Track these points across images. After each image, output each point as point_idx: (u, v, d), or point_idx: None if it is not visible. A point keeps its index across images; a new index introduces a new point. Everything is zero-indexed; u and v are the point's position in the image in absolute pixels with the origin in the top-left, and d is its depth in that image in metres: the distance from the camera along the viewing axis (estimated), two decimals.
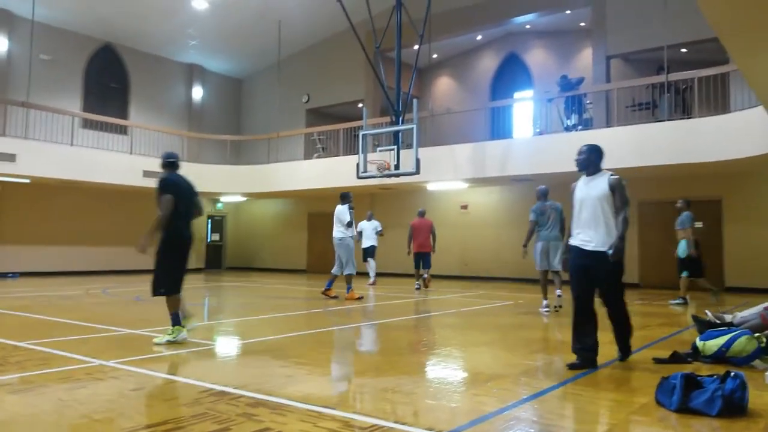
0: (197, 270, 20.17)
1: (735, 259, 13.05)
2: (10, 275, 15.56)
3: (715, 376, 3.56)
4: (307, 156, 18.77)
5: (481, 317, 8.31)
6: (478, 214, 16.91)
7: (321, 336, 6.54)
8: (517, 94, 18.64)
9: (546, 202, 8.79)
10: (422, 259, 12.74)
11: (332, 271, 10.58)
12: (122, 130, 17.44)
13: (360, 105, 17.90)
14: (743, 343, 4.73)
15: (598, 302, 4.65)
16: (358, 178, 12.45)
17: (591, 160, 4.81)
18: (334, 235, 10.41)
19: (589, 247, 4.63)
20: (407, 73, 13.50)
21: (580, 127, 13.71)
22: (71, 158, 14.99)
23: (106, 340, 5.86)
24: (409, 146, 12.02)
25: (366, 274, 14.63)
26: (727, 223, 13.25)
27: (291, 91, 20.13)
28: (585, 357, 4.58)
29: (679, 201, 10.31)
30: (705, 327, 5.66)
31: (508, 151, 13.82)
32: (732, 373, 3.51)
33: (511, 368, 4.72)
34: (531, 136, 14.98)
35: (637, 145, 12.00)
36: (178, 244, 5.70)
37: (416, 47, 12.92)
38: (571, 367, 4.55)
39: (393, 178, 12.71)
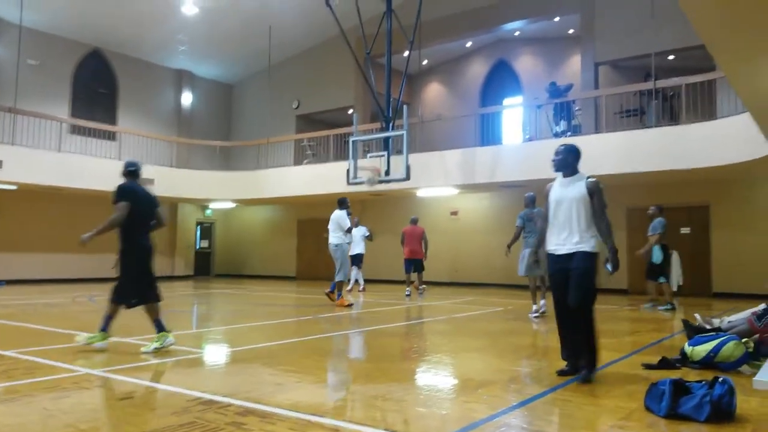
0: (186, 277, 20.05)
1: (722, 264, 13.15)
2: None
3: (703, 382, 3.57)
4: (297, 162, 18.74)
5: (472, 323, 8.31)
6: (468, 221, 16.95)
7: (311, 343, 6.51)
8: (506, 101, 18.74)
9: (534, 209, 8.89)
10: (413, 265, 12.86)
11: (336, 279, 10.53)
12: (110, 136, 17.34)
13: (350, 111, 17.92)
14: (731, 349, 4.76)
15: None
16: (349, 184, 12.44)
17: (568, 161, 4.68)
18: (331, 241, 10.30)
19: (562, 250, 4.53)
20: (397, 79, 13.53)
21: (569, 134, 13.79)
22: (59, 164, 14.88)
23: (93, 348, 5.79)
24: (400, 152, 12.04)
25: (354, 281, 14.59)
26: (714, 229, 13.36)
27: (281, 96, 20.11)
28: (574, 363, 4.53)
29: (651, 207, 10.53)
30: (694, 332, 5.70)
31: (497, 157, 13.87)
32: (720, 379, 3.53)
33: (501, 374, 4.72)
34: (520, 142, 15.05)
35: (626, 151, 12.08)
36: (139, 253, 5.67)
37: (406, 53, 12.96)
38: (561, 373, 4.53)
39: (383, 185, 12.72)
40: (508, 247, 9.07)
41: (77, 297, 11.88)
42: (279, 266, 20.54)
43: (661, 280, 10.28)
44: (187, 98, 20.57)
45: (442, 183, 14.66)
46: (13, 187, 15.02)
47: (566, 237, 4.52)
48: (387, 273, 17.18)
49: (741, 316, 5.95)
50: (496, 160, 13.79)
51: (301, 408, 3.59)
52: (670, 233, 13.68)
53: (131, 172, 5.84)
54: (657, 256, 10.24)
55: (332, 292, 10.50)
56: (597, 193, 4.53)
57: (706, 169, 11.38)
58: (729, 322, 5.98)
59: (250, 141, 19.63)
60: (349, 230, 10.30)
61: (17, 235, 16.11)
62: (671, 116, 13.37)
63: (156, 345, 5.47)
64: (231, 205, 20.26)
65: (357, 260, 14.10)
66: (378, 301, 11.17)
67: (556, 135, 13.99)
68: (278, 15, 17.18)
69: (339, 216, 10.30)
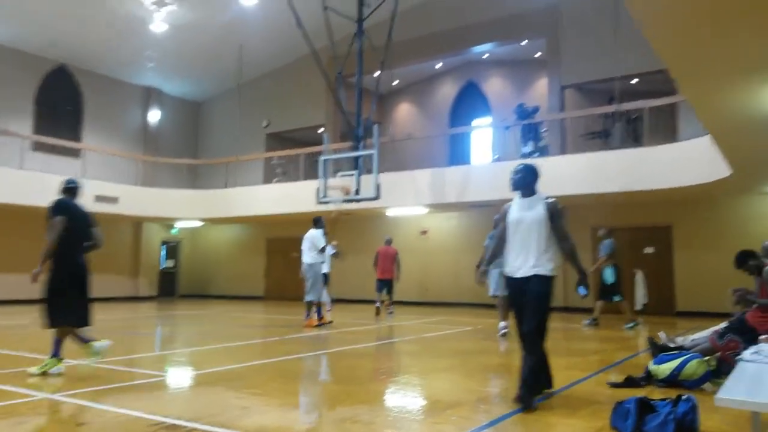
0: (150, 298, 19.63)
1: (685, 284, 13.42)
2: None
3: (667, 400, 3.62)
4: (267, 181, 18.61)
5: (441, 343, 8.29)
6: (438, 240, 17.01)
7: (278, 365, 6.40)
8: (475, 122, 18.98)
9: None
10: (385, 285, 12.94)
11: (320, 299, 10.45)
12: (74, 154, 16.98)
13: (321, 130, 17.92)
14: (694, 367, 4.84)
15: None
16: (318, 203, 12.39)
17: (527, 180, 4.54)
18: (305, 260, 10.23)
19: (519, 274, 4.37)
20: (368, 99, 13.60)
21: (536, 154, 14.00)
22: (20, 182, 14.48)
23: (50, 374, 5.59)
24: (370, 171, 12.05)
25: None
26: (677, 249, 13.65)
27: (251, 115, 20.01)
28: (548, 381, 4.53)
29: (601, 229, 10.93)
30: (658, 350, 5.77)
31: (467, 177, 13.99)
32: (684, 397, 3.58)
33: (469, 395, 4.70)
34: (489, 162, 15.23)
35: (591, 172, 12.32)
36: (73, 273, 5.54)
37: (377, 73, 13.05)
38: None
39: (353, 204, 12.70)
40: (478, 267, 8.97)
41: (37, 318, 11.50)
42: (246, 286, 20.26)
43: (617, 299, 10.52)
44: (154, 115, 20.31)
45: (412, 202, 14.71)
46: None
47: (523, 260, 4.36)
48: (356, 293, 17.09)
49: (703, 334, 6.06)
50: (466, 180, 13.91)
51: None
52: (634, 253, 14.03)
53: (70, 189, 5.76)
54: (608, 276, 10.50)
55: (321, 318, 10.37)
56: (557, 214, 4.41)
57: (668, 190, 11.65)
58: (692, 340, 6.08)
59: (219, 159, 19.45)
60: (323, 249, 10.24)
61: None
62: (635, 138, 13.70)
63: (41, 370, 5.26)
64: (198, 223, 19.97)
65: (324, 280, 13.96)
66: (347, 322, 11.09)
67: (524, 155, 14.19)
68: (249, 33, 17.17)
69: (314, 235, 10.25)
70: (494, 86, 18.94)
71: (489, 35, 16.38)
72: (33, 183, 14.74)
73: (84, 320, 5.51)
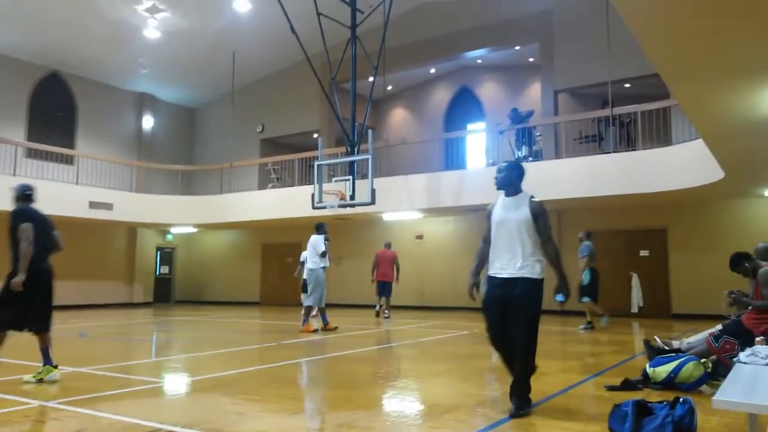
0: (145, 304, 19.55)
1: (680, 286, 13.46)
2: None
3: (665, 402, 3.62)
4: (262, 186, 18.58)
5: (438, 347, 8.29)
6: (434, 244, 17.01)
7: (274, 371, 6.38)
8: (469, 126, 19.01)
9: None
10: (383, 287, 13.28)
11: (304, 303, 10.46)
12: (68, 160, 16.92)
13: (315, 135, 17.92)
14: (690, 369, 4.85)
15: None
16: (314, 208, 12.39)
17: (511, 179, 4.35)
18: (307, 265, 10.34)
19: (505, 274, 4.18)
20: (362, 104, 13.62)
21: (530, 159, 14.04)
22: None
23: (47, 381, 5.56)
24: (365, 176, 12.05)
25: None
26: (672, 252, 13.70)
27: (245, 120, 20.01)
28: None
29: (580, 233, 11.08)
30: (654, 353, 5.79)
31: (462, 181, 14.01)
32: (681, 399, 3.58)
33: (467, 399, 4.70)
34: (484, 166, 15.25)
35: (585, 176, 12.35)
36: (38, 277, 5.51)
37: (371, 79, 13.07)
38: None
39: (348, 209, 12.70)
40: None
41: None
42: (242, 292, 20.20)
43: (585, 299, 10.68)
44: (148, 122, 20.26)
45: (407, 207, 14.72)
46: None
47: (509, 261, 4.18)
48: (353, 297, 17.07)
49: (699, 337, 6.08)
50: (461, 184, 13.93)
51: None
52: (629, 256, 14.08)
53: (27, 195, 5.75)
54: (585, 277, 10.69)
55: (326, 324, 10.38)
56: (542, 215, 4.21)
57: (663, 193, 11.70)
58: (688, 343, 6.10)
59: (213, 165, 19.42)
60: (323, 254, 10.24)
61: None
62: (628, 142, 13.76)
63: (36, 377, 5.27)
64: (193, 229, 19.92)
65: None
66: (344, 326, 11.06)
67: (519, 160, 14.23)
68: (242, 40, 17.18)
69: (314, 240, 10.31)
70: (488, 91, 18.99)
71: (482, 41, 16.43)
72: None
73: (45, 325, 5.46)
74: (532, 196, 4.30)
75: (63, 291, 16.84)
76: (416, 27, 17.01)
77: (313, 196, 12.31)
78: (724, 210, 13.21)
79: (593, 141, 14.44)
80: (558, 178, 12.53)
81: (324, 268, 10.36)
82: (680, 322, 12.25)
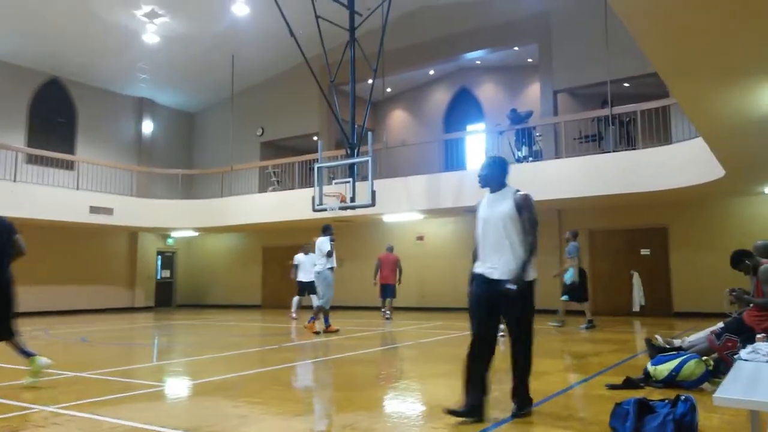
0: (146, 309, 19.56)
1: (681, 284, 13.45)
2: None
3: (666, 401, 3.62)
4: (262, 189, 18.60)
5: (439, 348, 8.28)
6: (434, 245, 17.01)
7: (276, 373, 6.38)
8: (469, 127, 19.02)
9: None
10: (386, 289, 13.66)
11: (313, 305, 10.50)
12: (68, 166, 16.94)
13: (315, 138, 17.93)
14: (692, 367, 4.85)
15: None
16: (314, 210, 12.39)
17: (494, 174, 4.19)
18: (314, 268, 10.42)
19: (495, 275, 3.97)
20: (362, 107, 13.63)
21: (530, 159, 14.05)
22: (14, 195, 14.42)
23: (49, 384, 5.56)
24: (365, 178, 12.06)
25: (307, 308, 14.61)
26: (673, 251, 13.69)
27: (245, 124, 20.03)
28: (473, 406, 3.96)
29: (567, 232, 11.15)
30: (656, 352, 5.78)
31: (461, 182, 14.01)
32: (682, 397, 3.58)
33: None
34: None
35: (585, 175, 12.35)
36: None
37: (370, 81, 13.08)
38: (452, 413, 3.92)
39: (349, 211, 12.71)
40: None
41: (33, 331, 11.45)
42: (243, 295, 20.20)
43: (564, 298, 10.80)
44: (147, 126, 20.30)
45: (407, 208, 14.72)
46: None
47: (498, 260, 4.00)
48: (354, 299, 17.06)
49: (701, 335, 6.07)
50: (461, 185, 13.93)
51: None
52: (631, 255, 14.08)
53: None
54: (569, 276, 10.77)
55: (328, 326, 10.40)
56: (526, 208, 4.03)
57: (663, 191, 11.70)
58: (689, 341, 6.09)
59: (213, 169, 19.43)
60: (329, 254, 10.26)
61: None
62: (628, 141, 13.76)
63: (32, 377, 5.27)
64: (193, 233, 19.93)
65: (309, 287, 14.16)
66: (345, 328, 11.05)
67: (519, 160, 14.24)
68: (241, 44, 17.20)
69: (320, 242, 10.33)
70: (487, 92, 19.00)
71: (481, 42, 16.45)
72: (27, 195, 14.71)
73: (7, 334, 5.43)
74: (517, 190, 4.13)
75: (64, 296, 17.06)
76: (414, 29, 17.03)
77: (313, 198, 12.32)
78: (725, 208, 13.21)
79: (593, 140, 14.44)
80: (558, 177, 12.54)
81: (331, 268, 10.38)
82: (681, 320, 12.23)
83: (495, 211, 4.09)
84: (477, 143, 17.84)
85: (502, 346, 8.21)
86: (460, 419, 3.91)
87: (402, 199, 14.59)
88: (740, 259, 5.75)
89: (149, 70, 18.35)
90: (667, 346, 6.11)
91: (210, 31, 16.53)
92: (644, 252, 14.01)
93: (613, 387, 4.93)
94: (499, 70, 18.61)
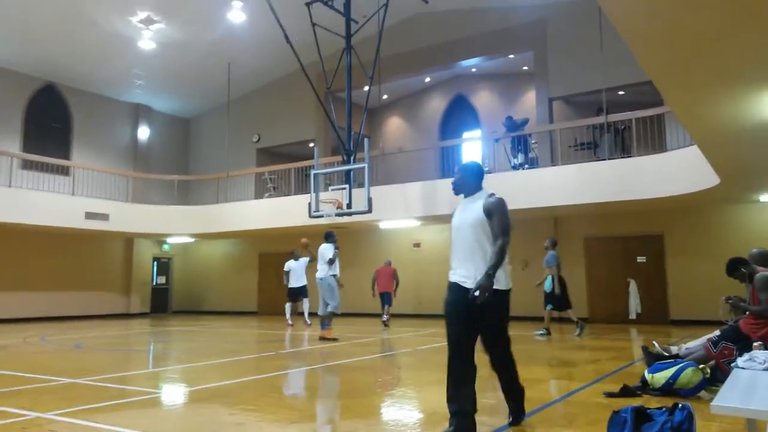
0: (142, 315, 19.48)
1: (678, 292, 13.48)
2: None
3: (663, 409, 3.62)
4: (258, 196, 18.59)
5: (436, 355, 8.27)
6: (431, 252, 17.00)
7: (272, 380, 6.36)
8: (465, 134, 19.08)
9: None
10: (383, 297, 14.03)
11: (319, 312, 10.45)
12: (64, 171, 16.90)
13: (311, 144, 17.94)
14: (689, 375, 4.85)
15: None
16: (310, 217, 12.39)
17: (465, 180, 4.04)
18: (317, 274, 10.38)
19: (469, 284, 3.78)
20: (358, 113, 13.67)
21: (526, 166, 14.09)
22: (9, 200, 14.37)
23: (44, 390, 5.54)
24: (361, 185, 12.08)
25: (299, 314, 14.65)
26: (669, 258, 13.73)
27: (241, 130, 20.03)
28: (461, 423, 3.68)
29: (547, 241, 11.23)
30: (653, 359, 5.79)
31: None
32: (680, 405, 3.58)
33: None
34: None
35: (581, 182, 12.39)
36: None
37: (366, 88, 13.12)
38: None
39: (345, 217, 12.72)
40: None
41: (28, 337, 11.39)
42: (239, 301, 20.15)
43: (549, 307, 10.87)
44: (143, 132, 20.27)
45: (403, 215, 14.73)
46: None
47: (473, 269, 3.80)
48: (350, 306, 17.01)
49: (697, 342, 6.08)
50: None
51: None
52: (627, 262, 14.11)
53: None
54: (548, 285, 10.86)
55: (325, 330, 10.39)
56: (497, 213, 3.79)
57: (658, 199, 11.74)
58: (686, 348, 6.10)
59: (210, 175, 19.42)
60: (330, 261, 10.24)
61: None
62: (623, 149, 13.82)
63: None
64: (189, 239, 19.89)
65: (302, 292, 14.22)
66: (343, 335, 11.03)
67: (515, 167, 14.29)
68: (238, 50, 17.22)
69: (323, 249, 10.32)
70: (483, 99, 19.07)
71: (476, 49, 16.52)
72: (22, 200, 14.65)
73: None
74: (491, 194, 3.92)
75: (59, 302, 16.98)
76: (411, 36, 17.10)
77: (309, 205, 12.31)
78: (720, 216, 13.26)
79: (588, 148, 14.49)
80: (554, 185, 12.58)
81: (334, 276, 10.37)
82: (678, 328, 12.25)
83: (466, 216, 3.92)
84: (473, 150, 17.88)
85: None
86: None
87: (398, 206, 14.60)
88: (736, 267, 5.77)
89: (145, 76, 18.35)
90: (665, 354, 6.12)
91: (206, 37, 16.56)
92: (640, 259, 14.04)
93: (610, 395, 4.93)
94: (494, 78, 18.68)
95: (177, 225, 18.06)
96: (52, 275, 16.97)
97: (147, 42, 16.21)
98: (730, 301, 5.70)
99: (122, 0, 14.53)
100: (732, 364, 4.69)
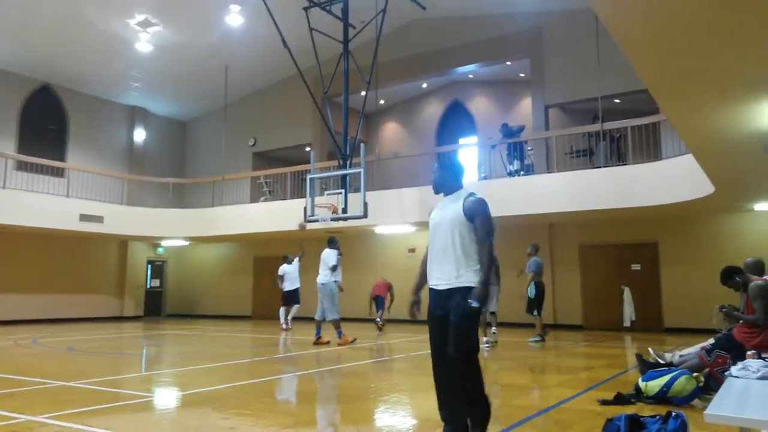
0: (135, 318, 19.39)
1: (672, 300, 13.49)
2: None
3: (657, 417, 3.62)
4: (254, 199, 18.55)
5: (429, 361, 8.24)
6: None
7: (265, 385, 6.34)
8: (461, 140, 19.11)
9: None
10: (377, 300, 14.15)
11: (315, 317, 10.43)
12: (59, 173, 16.83)
13: (308, 149, 17.93)
14: (683, 383, 4.86)
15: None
16: (306, 221, 12.37)
17: (444, 178, 3.91)
18: (318, 279, 10.33)
19: (442, 286, 3.69)
20: (354, 118, 13.67)
21: (522, 173, 14.12)
22: (3, 201, 14.29)
23: (36, 393, 5.50)
24: (357, 190, 12.07)
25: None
26: (663, 266, 13.75)
27: (237, 134, 20.01)
28: (453, 430, 3.64)
29: (529, 247, 11.29)
30: (647, 367, 5.79)
31: None
32: (673, 413, 3.58)
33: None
34: (476, 180, 15.31)
35: (576, 190, 12.42)
36: None
37: (363, 93, 13.13)
38: None
39: (341, 222, 12.71)
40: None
41: (20, 339, 11.32)
42: (234, 305, 20.08)
43: (534, 313, 10.91)
44: (139, 135, 20.23)
45: (399, 220, 14.74)
46: None
47: (446, 270, 3.67)
48: (344, 311, 16.90)
49: (692, 350, 6.10)
50: None
51: None
52: (621, 270, 14.13)
53: None
54: (531, 291, 10.93)
55: (319, 337, 10.36)
56: (479, 215, 3.65)
57: (653, 207, 11.77)
58: (681, 356, 6.11)
59: (205, 178, 19.38)
60: (333, 268, 10.22)
61: None
62: (618, 157, 13.86)
63: None
64: (184, 243, 19.83)
65: (295, 296, 14.22)
66: (335, 340, 11.00)
67: (510, 174, 14.32)
68: (235, 54, 17.22)
69: (326, 254, 10.32)
70: (480, 105, 19.12)
71: (473, 56, 16.57)
72: (16, 202, 14.58)
73: None
74: (470, 194, 3.76)
75: (52, 304, 16.89)
76: (408, 42, 17.14)
77: (305, 209, 12.30)
78: (715, 224, 13.30)
79: (584, 155, 14.54)
80: (549, 192, 12.60)
81: (336, 282, 10.37)
82: (672, 335, 12.27)
83: (445, 215, 3.77)
84: (469, 156, 17.92)
85: (486, 353, 8.22)
86: None
87: (394, 211, 14.60)
88: (730, 276, 5.79)
89: (142, 79, 18.33)
90: (661, 362, 6.13)
91: (203, 40, 16.56)
92: (635, 267, 14.07)
93: (604, 402, 4.93)
94: (491, 84, 18.74)
95: (172, 228, 18.01)
96: (45, 277, 16.87)
97: (144, 44, 16.20)
98: (724, 309, 5.72)
99: (120, 2, 14.51)
100: (726, 373, 4.70)
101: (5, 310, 16.04)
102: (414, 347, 10.16)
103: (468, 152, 17.98)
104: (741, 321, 5.49)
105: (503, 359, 8.32)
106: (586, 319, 14.32)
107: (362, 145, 12.55)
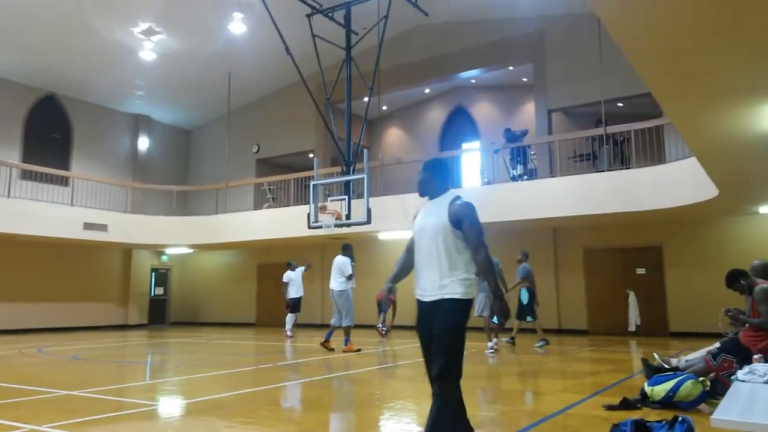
0: (140, 326, 19.40)
1: (677, 304, 13.43)
2: None
3: (663, 422, 3.60)
4: (257, 206, 18.58)
5: None
6: None
7: (270, 393, 6.32)
8: (464, 145, 19.12)
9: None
10: (380, 304, 14.16)
11: (332, 322, 10.49)
12: (63, 181, 16.89)
13: (311, 155, 17.95)
14: (689, 388, 4.82)
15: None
16: (309, 228, 12.38)
17: (428, 180, 3.68)
18: (333, 287, 10.33)
19: (427, 297, 3.42)
20: (357, 124, 13.70)
21: (525, 177, 14.10)
22: (7, 210, 14.36)
23: (41, 402, 5.50)
24: (360, 196, 12.07)
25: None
26: (668, 269, 13.69)
27: (241, 141, 20.06)
28: None
29: (519, 254, 11.29)
30: (652, 372, 5.76)
31: None
32: (680, 418, 3.56)
33: None
34: (479, 185, 15.31)
35: (580, 194, 12.40)
36: None
37: (366, 99, 13.16)
38: None
39: (344, 228, 12.71)
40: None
41: (25, 348, 11.33)
42: (238, 313, 20.07)
43: (529, 319, 10.91)
44: (143, 143, 20.30)
45: (402, 226, 14.71)
46: None
47: (431, 279, 3.40)
48: None
49: (697, 355, 6.06)
50: None
51: None
52: (626, 274, 14.08)
53: None
54: (523, 297, 10.93)
55: (327, 341, 10.36)
56: (467, 221, 3.37)
57: (657, 210, 11.74)
58: (686, 361, 6.08)
59: (209, 185, 19.42)
60: (350, 277, 10.22)
61: None
62: (622, 160, 13.85)
63: None
64: (188, 250, 19.85)
65: (297, 304, 14.26)
66: (341, 346, 10.99)
67: (514, 178, 14.30)
68: (238, 61, 17.29)
69: (342, 262, 10.30)
70: (482, 110, 19.12)
71: (476, 61, 16.59)
72: (20, 211, 14.63)
73: None
74: (456, 197, 3.48)
75: (57, 313, 16.91)
76: (410, 48, 17.18)
77: (308, 215, 12.31)
78: (719, 227, 13.25)
79: (587, 159, 14.52)
80: (553, 196, 12.58)
81: (351, 289, 10.42)
82: (678, 340, 12.21)
83: (429, 220, 3.49)
84: (472, 161, 17.91)
85: (490, 359, 8.19)
86: None
87: (398, 217, 14.58)
88: (736, 279, 5.75)
89: (146, 87, 18.41)
90: (666, 366, 6.09)
91: (207, 48, 16.62)
92: (639, 271, 14.02)
93: (610, 407, 4.90)
94: (494, 89, 18.75)
95: (175, 236, 18.04)
96: (49, 286, 16.91)
97: (148, 53, 16.27)
98: (729, 313, 5.68)
99: (124, 11, 14.60)
100: (732, 377, 4.66)
101: (10, 319, 16.07)
102: (419, 353, 10.13)
103: (471, 157, 17.98)
104: (747, 324, 5.46)
105: (508, 364, 8.29)
106: (590, 323, 14.26)
107: (365, 151, 12.56)
